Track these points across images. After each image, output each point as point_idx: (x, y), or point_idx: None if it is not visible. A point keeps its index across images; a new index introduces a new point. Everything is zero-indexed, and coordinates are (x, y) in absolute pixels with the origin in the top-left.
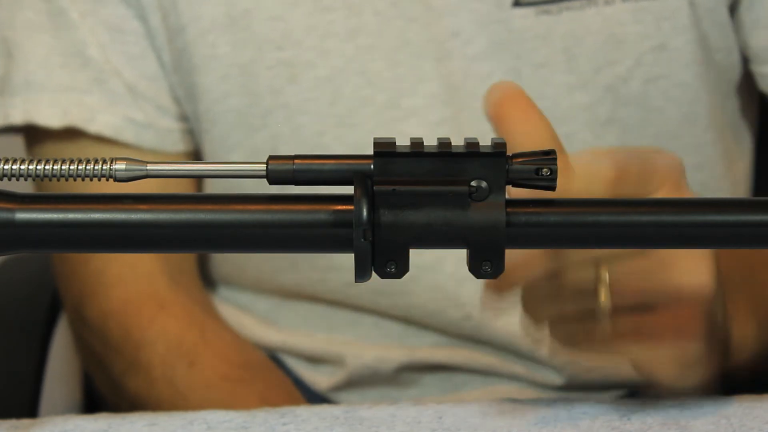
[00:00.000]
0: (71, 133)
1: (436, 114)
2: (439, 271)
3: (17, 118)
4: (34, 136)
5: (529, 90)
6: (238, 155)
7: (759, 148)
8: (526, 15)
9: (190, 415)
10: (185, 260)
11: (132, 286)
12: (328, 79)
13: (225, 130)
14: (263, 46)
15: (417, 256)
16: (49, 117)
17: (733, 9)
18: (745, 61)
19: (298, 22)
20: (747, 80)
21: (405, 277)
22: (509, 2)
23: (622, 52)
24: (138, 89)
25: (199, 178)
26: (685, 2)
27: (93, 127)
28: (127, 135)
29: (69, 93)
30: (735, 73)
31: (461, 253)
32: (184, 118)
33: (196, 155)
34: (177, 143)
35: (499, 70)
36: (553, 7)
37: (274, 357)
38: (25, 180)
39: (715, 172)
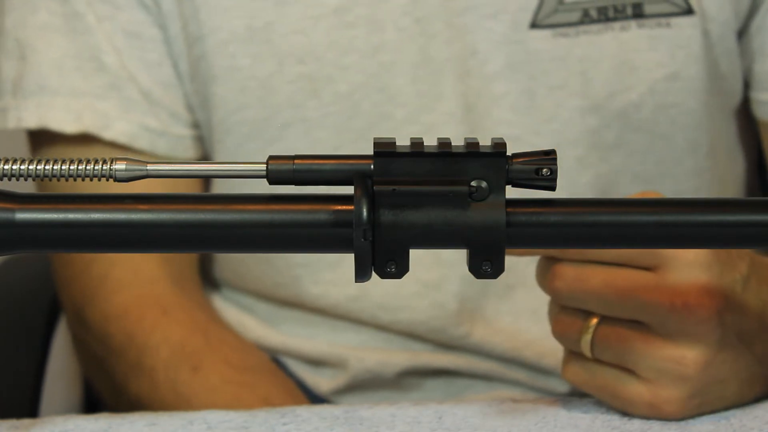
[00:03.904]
0: (83, 139)
1: (452, 131)
2: (443, 290)
3: (30, 121)
4: (43, 139)
5: (543, 111)
6: None
7: (761, 169)
8: (543, 37)
9: (190, 415)
10: (188, 265)
11: (135, 291)
12: (348, 95)
13: (239, 141)
14: (284, 59)
15: (423, 273)
16: (63, 122)
17: (741, 34)
18: (746, 86)
19: (320, 37)
20: (747, 105)
21: (408, 293)
22: (527, 24)
23: (636, 78)
24: (153, 96)
25: (198, 177)
26: (699, 31)
27: (108, 134)
28: (142, 142)
29: (83, 98)
30: (737, 98)
31: (465, 272)
32: (195, 125)
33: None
34: (188, 150)
35: (514, 90)
36: (570, 30)
37: (275, 359)
38: (25, 180)
39: (712, 195)
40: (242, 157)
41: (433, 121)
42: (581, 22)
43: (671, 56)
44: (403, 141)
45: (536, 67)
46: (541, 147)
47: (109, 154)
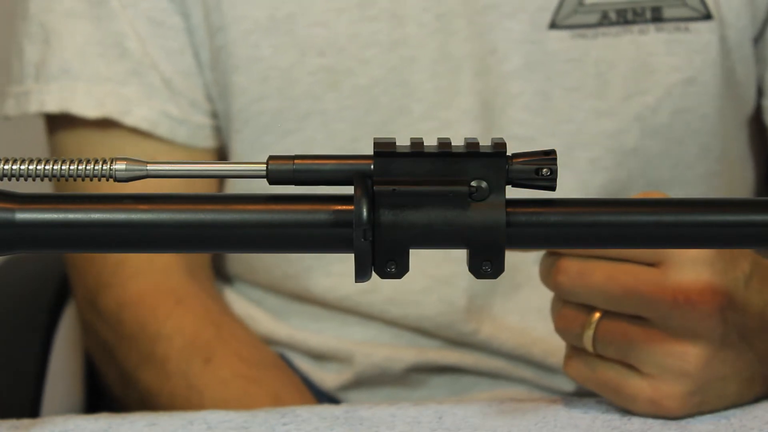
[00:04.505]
0: (103, 124)
1: (468, 128)
2: (453, 285)
3: (52, 105)
4: (63, 124)
5: (558, 112)
6: None
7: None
8: (561, 37)
9: (190, 415)
10: (201, 256)
11: (150, 279)
12: (367, 88)
13: (257, 131)
14: (305, 51)
15: (433, 269)
16: (85, 107)
17: (756, 40)
18: (759, 93)
19: (341, 30)
20: (758, 114)
21: (417, 288)
22: (546, 24)
23: (653, 82)
24: (174, 84)
25: (198, 177)
26: (716, 36)
27: (129, 120)
28: (162, 129)
29: (105, 83)
30: (750, 106)
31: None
32: (214, 115)
33: (222, 153)
34: (207, 139)
35: (530, 90)
36: (588, 32)
37: (281, 355)
38: (25, 180)
39: None
40: (260, 148)
41: (450, 118)
42: (600, 24)
43: (689, 61)
44: (420, 136)
45: (553, 68)
46: (554, 148)
47: (128, 140)
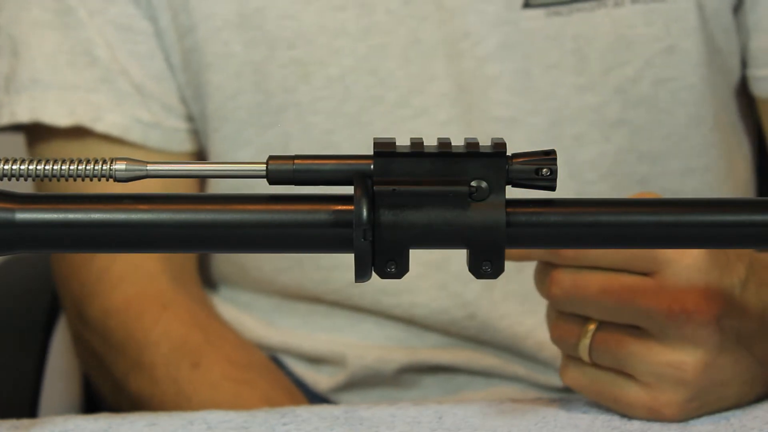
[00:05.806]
0: (77, 132)
1: (446, 113)
2: (445, 270)
3: (23, 116)
4: (38, 134)
5: (539, 91)
6: (249, 152)
7: (761, 150)
8: (536, 16)
9: (190, 415)
10: (187, 260)
11: (135, 286)
12: (339, 78)
13: (236, 128)
14: (275, 44)
15: (424, 254)
16: (56, 115)
17: (736, 9)
18: (743, 63)
19: (310, 21)
20: (745, 83)
21: (410, 275)
22: (519, 3)
23: (632, 53)
24: (145, 89)
25: (198, 177)
26: (693, 4)
27: (100, 126)
28: (134, 134)
29: (76, 91)
30: (736, 76)
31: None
32: (189, 118)
33: (200, 156)
34: (183, 143)
35: (508, 70)
36: (563, 9)
37: (273, 358)
38: (25, 180)
39: (720, 174)
40: (239, 144)
41: (426, 104)
42: (574, 0)
43: (666, 30)
44: (396, 124)
45: (530, 47)
46: (538, 126)
47: (102, 147)
